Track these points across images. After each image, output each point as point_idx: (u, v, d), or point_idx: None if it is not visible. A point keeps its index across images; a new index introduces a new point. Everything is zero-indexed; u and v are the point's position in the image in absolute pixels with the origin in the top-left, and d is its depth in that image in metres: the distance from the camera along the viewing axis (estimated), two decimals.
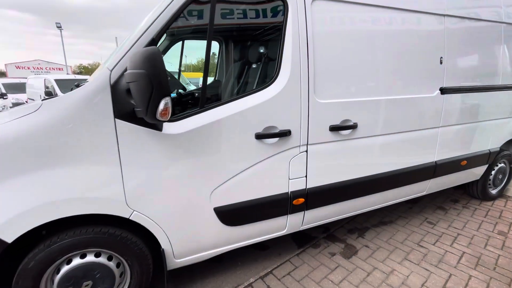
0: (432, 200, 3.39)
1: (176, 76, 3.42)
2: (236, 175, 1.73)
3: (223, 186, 1.72)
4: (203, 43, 3.46)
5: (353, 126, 2.01)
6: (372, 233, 2.69)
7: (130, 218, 1.53)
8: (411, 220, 2.94)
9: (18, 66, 38.26)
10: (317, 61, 1.80)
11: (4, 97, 9.56)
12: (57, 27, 26.28)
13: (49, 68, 40.10)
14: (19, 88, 11.09)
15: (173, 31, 2.99)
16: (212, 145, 1.63)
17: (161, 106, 1.25)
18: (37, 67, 39.39)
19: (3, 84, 11.22)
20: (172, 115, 1.54)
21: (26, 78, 11.40)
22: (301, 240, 2.55)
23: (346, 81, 1.95)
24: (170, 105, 1.27)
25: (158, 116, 1.26)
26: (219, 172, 1.69)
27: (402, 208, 3.20)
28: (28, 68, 38.35)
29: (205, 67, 1.56)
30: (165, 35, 3.13)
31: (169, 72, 2.79)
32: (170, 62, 3.31)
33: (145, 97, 1.23)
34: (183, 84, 3.01)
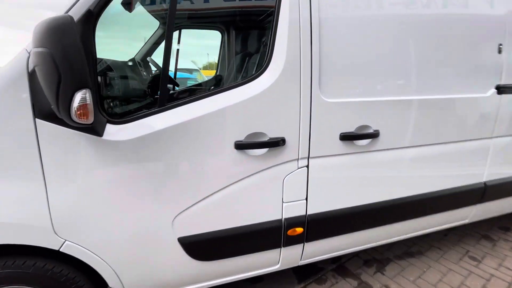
0: (474, 227, 2.74)
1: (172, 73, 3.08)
2: (208, 196, 1.31)
3: (190, 210, 1.30)
4: (204, 32, 3.11)
5: (374, 135, 1.51)
6: (394, 268, 2.14)
7: (60, 250, 1.16)
8: (447, 253, 2.34)
9: None
10: (324, 50, 1.33)
11: None
12: None
13: None
14: None
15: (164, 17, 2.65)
16: (174, 156, 1.21)
17: (76, 102, 0.85)
18: None
19: None
20: (120, 115, 1.16)
21: None
22: (303, 272, 2.07)
23: (364, 75, 1.45)
24: (90, 101, 0.87)
25: (73, 116, 0.87)
26: (184, 192, 1.27)
27: (435, 235, 2.59)
28: None
29: (165, 54, 1.15)
30: (159, 24, 2.83)
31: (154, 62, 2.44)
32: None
33: (51, 88, 0.84)
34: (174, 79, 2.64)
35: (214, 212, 1.34)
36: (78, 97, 0.84)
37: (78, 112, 0.86)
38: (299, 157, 1.41)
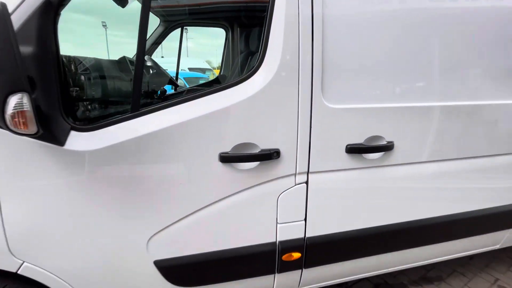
0: (504, 250, 2.41)
1: (174, 70, 2.95)
2: (189, 215, 1.14)
3: (168, 231, 1.13)
4: (207, 29, 2.95)
5: (387, 147, 1.28)
6: None
7: (18, 272, 1.02)
8: (472, 281, 2.05)
9: None
10: (328, 48, 1.12)
11: None
12: None
13: None
14: None
15: (168, 14, 2.52)
16: (148, 169, 1.05)
17: (9, 108, 0.70)
18: None
19: None
20: (88, 121, 1.01)
21: None
22: None
23: (376, 77, 1.23)
24: (29, 107, 0.72)
25: (9, 125, 0.72)
26: (160, 210, 1.11)
27: (458, 258, 2.30)
28: None
29: (138, 52, 1.00)
30: (159, 20, 2.70)
31: (154, 62, 2.31)
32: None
33: None
34: (174, 79, 2.50)
35: (196, 233, 1.17)
36: (12, 102, 0.69)
37: (15, 120, 0.71)
38: (297, 172, 1.21)
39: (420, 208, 1.47)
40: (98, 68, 1.21)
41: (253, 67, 1.11)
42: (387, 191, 1.38)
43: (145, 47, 1.00)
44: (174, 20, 2.52)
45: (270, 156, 1.13)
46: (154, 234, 1.13)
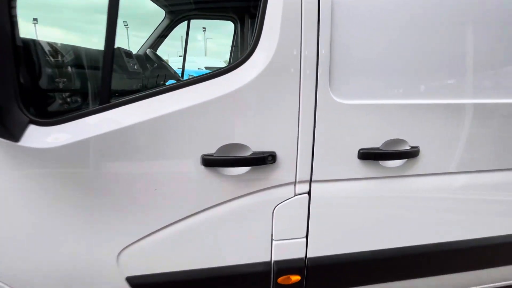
0: None
1: (180, 64, 2.83)
2: (166, 227, 0.97)
3: (142, 243, 0.97)
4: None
5: (411, 154, 1.05)
6: None
7: None
8: None
9: None
10: (337, 31, 0.91)
11: None
12: None
13: None
14: None
15: (173, 6, 2.38)
16: (118, 171, 0.90)
17: None
18: None
19: None
20: (51, 114, 0.88)
21: None
22: None
23: (398, 69, 1.00)
24: None
25: None
26: (132, 220, 0.95)
27: None
28: None
29: (107, 38, 0.84)
30: (164, 13, 2.58)
31: (157, 57, 2.19)
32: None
33: None
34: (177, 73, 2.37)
35: (175, 248, 1.00)
36: None
37: None
38: (297, 181, 1.01)
39: (448, 228, 1.22)
40: (70, 55, 1.09)
41: (245, 54, 0.92)
42: (408, 207, 1.14)
43: (115, 33, 0.85)
44: (180, 13, 2.39)
45: (263, 160, 0.94)
46: (126, 247, 0.97)
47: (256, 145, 0.94)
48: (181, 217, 0.96)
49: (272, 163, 0.95)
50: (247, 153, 0.94)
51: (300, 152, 0.98)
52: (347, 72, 0.95)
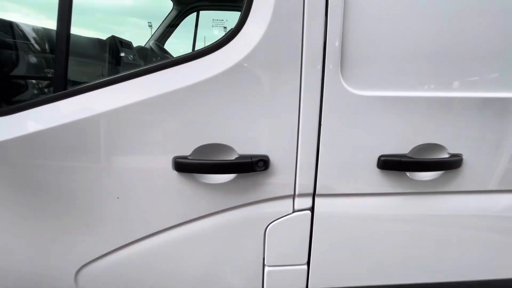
0: None
1: None
2: (132, 244, 0.79)
3: (104, 262, 0.81)
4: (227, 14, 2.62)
5: (451, 163, 0.80)
6: None
7: None
8: None
9: None
10: (351, 13, 0.69)
11: None
12: None
13: None
14: None
15: None
16: (72, 174, 0.73)
17: None
18: None
19: None
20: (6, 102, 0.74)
21: None
22: None
23: (433, 52, 0.75)
24: None
25: None
26: (92, 233, 0.78)
27: None
28: None
29: (60, 19, 0.69)
30: (172, 4, 2.44)
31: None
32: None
33: None
34: None
35: (143, 269, 0.82)
36: None
37: None
38: (296, 193, 0.79)
39: (498, 262, 0.94)
40: (31, 37, 0.95)
41: (230, 31, 0.72)
42: (443, 234, 0.88)
43: (70, 11, 0.69)
44: (188, 4, 2.25)
45: (252, 166, 0.73)
46: (86, 265, 0.81)
47: (243, 147, 0.74)
48: (148, 233, 0.78)
49: (263, 170, 0.74)
50: (232, 157, 0.74)
51: (300, 157, 0.76)
52: (367, 52, 0.72)
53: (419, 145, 0.78)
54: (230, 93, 0.70)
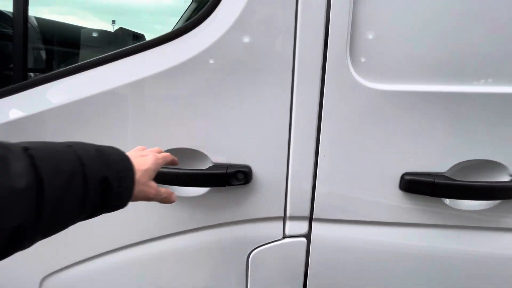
0: None
1: None
2: (90, 259, 0.69)
3: (69, 273, 0.72)
4: None
5: (507, 191, 0.56)
6: None
7: None
8: None
9: None
10: None
11: None
12: None
13: None
14: None
15: None
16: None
17: None
18: None
19: None
20: None
21: None
22: None
23: (480, 35, 0.51)
24: None
25: None
26: (54, 240, 0.70)
27: None
28: None
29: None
30: None
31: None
32: None
33: None
34: None
35: (110, 284, 0.72)
36: None
37: None
38: (288, 215, 0.62)
39: None
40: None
41: (205, 7, 0.57)
42: (491, 283, 0.64)
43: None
44: None
45: (228, 178, 0.58)
46: (51, 274, 0.73)
47: (218, 154, 0.59)
48: (111, 248, 0.68)
49: (243, 183, 0.58)
50: (204, 166, 0.60)
51: (293, 169, 0.58)
52: (384, 33, 0.52)
53: (463, 161, 0.55)
54: (201, 84, 0.55)
